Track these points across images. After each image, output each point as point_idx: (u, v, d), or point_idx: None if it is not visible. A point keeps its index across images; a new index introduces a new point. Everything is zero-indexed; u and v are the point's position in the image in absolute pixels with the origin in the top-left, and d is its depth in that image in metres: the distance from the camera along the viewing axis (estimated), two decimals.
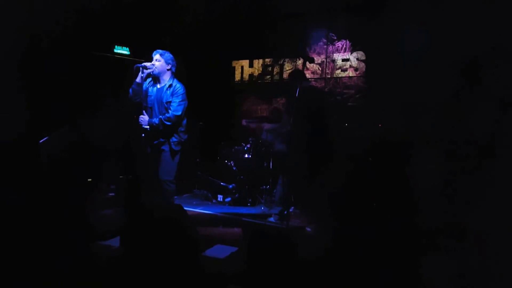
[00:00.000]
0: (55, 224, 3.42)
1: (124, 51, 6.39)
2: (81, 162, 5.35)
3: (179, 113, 3.40)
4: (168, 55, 3.48)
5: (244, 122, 5.12)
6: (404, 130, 4.98)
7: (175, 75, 3.56)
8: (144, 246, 2.64)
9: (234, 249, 3.17)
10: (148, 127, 3.40)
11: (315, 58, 5.73)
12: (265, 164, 5.06)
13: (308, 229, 4.02)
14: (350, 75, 5.66)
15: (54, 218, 3.64)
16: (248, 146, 5.17)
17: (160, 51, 3.49)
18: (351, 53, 5.66)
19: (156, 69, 3.42)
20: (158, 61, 3.45)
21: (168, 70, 3.49)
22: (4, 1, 4.86)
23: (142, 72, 3.36)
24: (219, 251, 3.12)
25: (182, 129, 3.53)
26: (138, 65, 3.34)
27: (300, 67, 5.76)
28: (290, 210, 4.50)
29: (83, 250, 3.06)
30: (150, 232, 2.67)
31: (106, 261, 2.91)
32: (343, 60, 5.71)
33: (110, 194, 5.06)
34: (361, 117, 5.42)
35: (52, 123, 5.00)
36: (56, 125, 4.97)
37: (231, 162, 5.14)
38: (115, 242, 3.14)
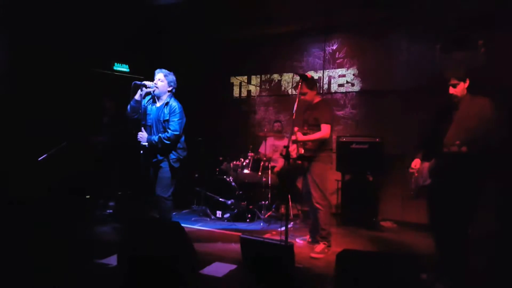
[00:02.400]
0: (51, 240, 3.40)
1: (124, 68, 6.47)
2: (80, 178, 5.36)
3: (178, 132, 3.42)
4: (172, 77, 3.51)
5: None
6: (401, 144, 5.01)
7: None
8: (141, 264, 2.62)
9: (233, 266, 3.14)
10: (147, 144, 3.42)
11: (311, 74, 5.79)
12: (263, 179, 5.05)
13: (299, 241, 4.01)
14: (347, 90, 5.72)
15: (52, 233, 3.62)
16: (247, 161, 5.18)
17: (165, 71, 3.50)
18: (347, 69, 5.73)
19: (157, 89, 3.45)
20: (161, 82, 3.47)
21: (168, 91, 3.53)
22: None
23: (141, 90, 3.39)
24: (217, 269, 3.09)
25: (181, 146, 3.55)
26: (137, 82, 3.37)
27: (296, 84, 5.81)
28: (289, 225, 4.48)
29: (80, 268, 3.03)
30: (148, 250, 2.66)
31: (103, 280, 2.88)
32: (340, 76, 5.78)
33: (108, 211, 5.04)
34: (358, 131, 5.44)
35: (51, 139, 5.02)
36: (55, 141, 4.99)
37: (230, 177, 5.13)
38: (112, 260, 3.11)
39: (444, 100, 2.85)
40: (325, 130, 3.61)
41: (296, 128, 3.68)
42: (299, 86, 3.52)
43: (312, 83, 3.75)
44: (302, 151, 3.72)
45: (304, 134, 3.69)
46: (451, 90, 2.78)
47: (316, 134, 3.62)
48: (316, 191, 3.67)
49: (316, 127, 3.65)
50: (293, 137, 3.64)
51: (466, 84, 2.78)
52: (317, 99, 3.81)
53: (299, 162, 3.78)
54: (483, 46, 4.60)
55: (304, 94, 3.73)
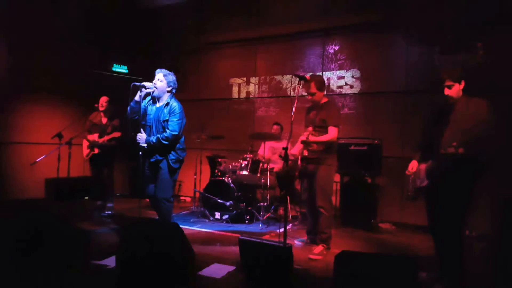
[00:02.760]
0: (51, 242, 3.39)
1: (122, 69, 6.47)
2: (79, 179, 5.35)
3: (177, 132, 3.41)
4: (172, 77, 3.50)
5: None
6: (400, 146, 5.03)
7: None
8: (139, 266, 2.62)
9: (231, 268, 3.14)
10: (145, 145, 3.41)
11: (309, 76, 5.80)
12: (262, 181, 5.05)
13: (298, 243, 4.02)
14: (346, 92, 5.73)
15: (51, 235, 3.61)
16: (245, 162, 5.17)
17: (165, 71, 3.50)
18: (346, 71, 5.74)
19: (156, 90, 3.44)
20: (160, 81, 3.46)
21: (168, 91, 3.52)
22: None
23: (141, 91, 3.39)
24: (216, 270, 3.09)
25: (180, 147, 3.54)
26: (136, 84, 3.36)
27: (295, 85, 5.81)
28: (288, 227, 4.48)
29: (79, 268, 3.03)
30: (146, 251, 2.65)
31: (101, 281, 2.88)
32: (339, 78, 5.79)
33: (107, 212, 5.03)
34: (357, 133, 5.45)
35: (49, 140, 5.02)
36: (54, 142, 4.98)
37: (229, 179, 5.13)
38: (110, 261, 3.10)
39: (441, 101, 2.87)
40: (333, 132, 3.59)
41: (310, 128, 3.64)
42: (297, 87, 3.50)
43: (321, 84, 3.73)
44: (306, 153, 3.70)
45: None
46: (447, 91, 2.80)
47: (325, 137, 3.59)
48: (320, 194, 3.65)
49: (323, 128, 3.63)
50: (303, 137, 3.63)
51: (462, 86, 2.79)
52: (325, 99, 3.78)
53: (303, 164, 3.75)
54: (482, 48, 4.62)
55: (312, 94, 3.70)
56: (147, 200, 3.72)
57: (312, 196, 3.73)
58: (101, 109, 5.08)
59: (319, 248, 3.64)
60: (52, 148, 4.97)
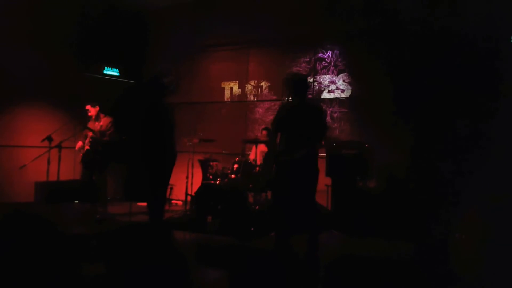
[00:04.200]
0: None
1: (114, 72, 6.45)
2: (69, 183, 5.31)
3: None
4: None
5: None
6: (391, 150, 5.09)
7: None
8: (131, 269, 2.60)
9: (222, 271, 3.14)
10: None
11: None
12: (250, 186, 5.03)
13: None
14: (337, 96, 5.78)
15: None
16: (236, 166, 5.16)
17: None
18: (337, 75, 5.80)
19: None
20: None
21: None
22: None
23: None
24: (210, 273, 3.09)
25: (173, 147, 3.54)
26: None
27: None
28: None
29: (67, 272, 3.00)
30: (135, 253, 2.64)
31: (91, 283, 2.85)
32: (330, 82, 5.84)
33: (98, 216, 4.99)
34: (348, 137, 5.51)
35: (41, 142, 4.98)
36: (44, 145, 4.94)
37: (220, 182, 5.11)
38: (101, 265, 3.08)
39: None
40: None
41: None
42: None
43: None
44: None
45: None
46: None
47: None
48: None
49: None
50: None
51: None
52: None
53: None
54: None
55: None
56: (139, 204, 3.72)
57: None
58: (94, 118, 5.10)
59: None
60: (42, 151, 4.93)
